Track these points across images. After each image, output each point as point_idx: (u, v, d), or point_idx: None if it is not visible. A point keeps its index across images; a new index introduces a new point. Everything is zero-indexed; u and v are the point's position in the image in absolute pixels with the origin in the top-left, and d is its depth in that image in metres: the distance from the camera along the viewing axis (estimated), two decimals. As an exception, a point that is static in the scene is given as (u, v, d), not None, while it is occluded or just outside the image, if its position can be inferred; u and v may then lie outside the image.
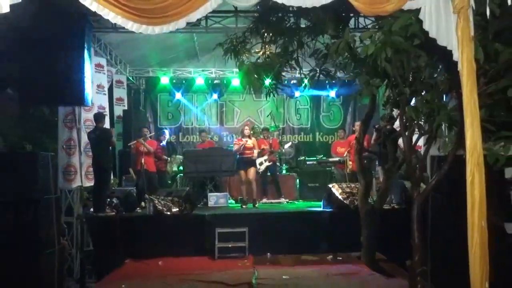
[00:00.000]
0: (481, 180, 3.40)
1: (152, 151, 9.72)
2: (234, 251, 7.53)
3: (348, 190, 8.28)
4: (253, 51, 6.75)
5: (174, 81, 12.64)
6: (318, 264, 7.25)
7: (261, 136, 10.46)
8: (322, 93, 12.77)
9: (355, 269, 6.81)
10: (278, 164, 10.93)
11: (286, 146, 11.76)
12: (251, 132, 9.99)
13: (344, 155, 9.99)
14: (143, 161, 9.55)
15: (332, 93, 12.73)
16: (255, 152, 9.53)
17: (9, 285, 5.97)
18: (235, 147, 9.65)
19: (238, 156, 9.55)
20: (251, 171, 9.39)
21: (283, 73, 6.78)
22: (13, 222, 6.22)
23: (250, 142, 9.53)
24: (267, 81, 6.75)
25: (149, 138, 9.79)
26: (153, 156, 9.78)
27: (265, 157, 10.04)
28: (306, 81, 6.88)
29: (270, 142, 10.54)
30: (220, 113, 13.39)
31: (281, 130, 12.93)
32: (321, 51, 6.09)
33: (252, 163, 9.48)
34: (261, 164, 9.94)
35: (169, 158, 10.97)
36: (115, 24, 3.55)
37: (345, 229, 7.57)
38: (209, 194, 9.53)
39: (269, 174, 10.24)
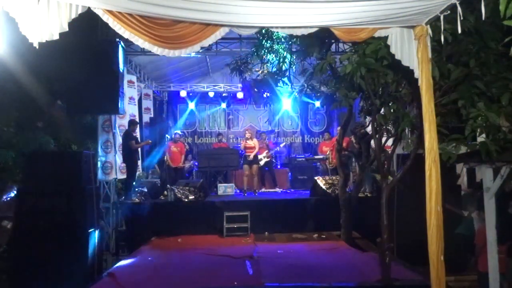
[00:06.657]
0: (437, 174, 3.39)
1: (178, 151, 9.82)
2: (238, 231, 7.51)
3: (330, 181, 8.26)
4: (254, 70, 6.74)
5: (190, 94, 12.57)
6: (306, 241, 7.23)
7: (261, 138, 10.45)
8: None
9: (336, 245, 6.79)
10: (273, 160, 10.91)
11: (281, 145, 11.77)
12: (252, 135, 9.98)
13: (327, 153, 9.96)
14: (165, 158, 9.56)
15: (317, 104, 12.68)
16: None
17: (60, 257, 5.98)
18: (242, 146, 9.69)
19: (244, 154, 9.57)
20: (254, 167, 9.42)
21: (278, 88, 6.76)
22: (63, 206, 6.25)
23: (252, 143, 9.53)
24: (265, 94, 6.74)
25: (179, 141, 9.90)
26: (178, 154, 9.82)
27: (264, 154, 10.03)
28: (295, 94, 6.87)
29: (267, 143, 10.52)
30: (227, 120, 13.31)
31: (276, 133, 12.93)
32: (308, 70, 6.08)
33: (255, 160, 9.47)
34: (260, 160, 9.94)
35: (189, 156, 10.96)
36: (143, 48, 3.51)
37: (327, 213, 7.55)
38: (219, 184, 9.51)
39: (267, 168, 10.22)
